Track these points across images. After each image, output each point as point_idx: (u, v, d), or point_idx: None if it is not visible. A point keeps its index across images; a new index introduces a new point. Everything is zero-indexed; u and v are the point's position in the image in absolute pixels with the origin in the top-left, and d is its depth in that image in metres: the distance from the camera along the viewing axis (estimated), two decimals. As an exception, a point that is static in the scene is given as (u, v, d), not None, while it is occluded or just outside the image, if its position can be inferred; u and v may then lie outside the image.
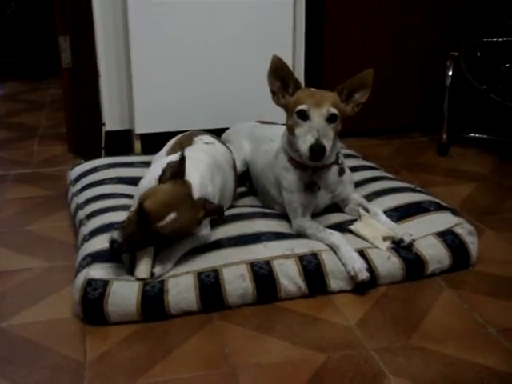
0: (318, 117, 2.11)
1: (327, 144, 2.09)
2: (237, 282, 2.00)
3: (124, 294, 1.93)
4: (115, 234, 1.88)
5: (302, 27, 3.37)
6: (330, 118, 2.12)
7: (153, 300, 1.94)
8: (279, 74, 2.21)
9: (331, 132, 2.13)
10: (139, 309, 1.92)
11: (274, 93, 2.24)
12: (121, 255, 1.99)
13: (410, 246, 2.15)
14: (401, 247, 2.16)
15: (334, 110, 2.13)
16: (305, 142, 2.10)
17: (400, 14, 3.59)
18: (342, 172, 2.31)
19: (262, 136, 2.62)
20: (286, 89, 2.22)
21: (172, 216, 1.89)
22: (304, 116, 2.12)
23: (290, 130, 2.19)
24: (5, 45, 5.78)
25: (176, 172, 1.99)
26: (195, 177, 2.06)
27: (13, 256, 2.37)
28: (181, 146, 2.25)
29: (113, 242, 1.88)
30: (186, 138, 2.47)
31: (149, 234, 1.91)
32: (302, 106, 2.13)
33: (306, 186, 2.26)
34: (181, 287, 1.96)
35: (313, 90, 2.23)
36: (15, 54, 5.73)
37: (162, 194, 1.94)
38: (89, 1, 3.13)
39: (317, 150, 2.07)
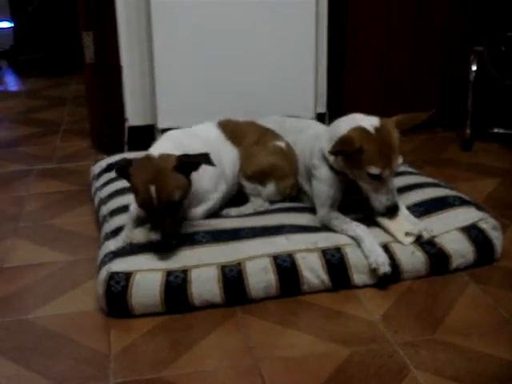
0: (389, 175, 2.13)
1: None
2: (260, 274, 2.00)
3: (147, 285, 1.94)
4: (152, 236, 1.99)
5: (324, 24, 3.37)
6: None
7: (176, 290, 1.95)
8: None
9: None
10: (163, 299, 1.93)
11: None
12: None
13: (429, 243, 2.14)
14: (422, 242, 2.14)
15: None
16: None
17: (423, 9, 3.56)
18: None
19: (291, 127, 2.62)
20: None
21: (153, 189, 1.98)
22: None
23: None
24: (27, 41, 5.84)
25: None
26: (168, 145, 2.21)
27: (37, 250, 2.39)
28: None
29: (158, 244, 2.00)
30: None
31: (160, 212, 1.99)
32: (374, 170, 2.10)
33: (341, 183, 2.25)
34: (203, 278, 1.97)
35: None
36: (38, 50, 5.78)
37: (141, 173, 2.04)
38: (112, -4, 3.16)
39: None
